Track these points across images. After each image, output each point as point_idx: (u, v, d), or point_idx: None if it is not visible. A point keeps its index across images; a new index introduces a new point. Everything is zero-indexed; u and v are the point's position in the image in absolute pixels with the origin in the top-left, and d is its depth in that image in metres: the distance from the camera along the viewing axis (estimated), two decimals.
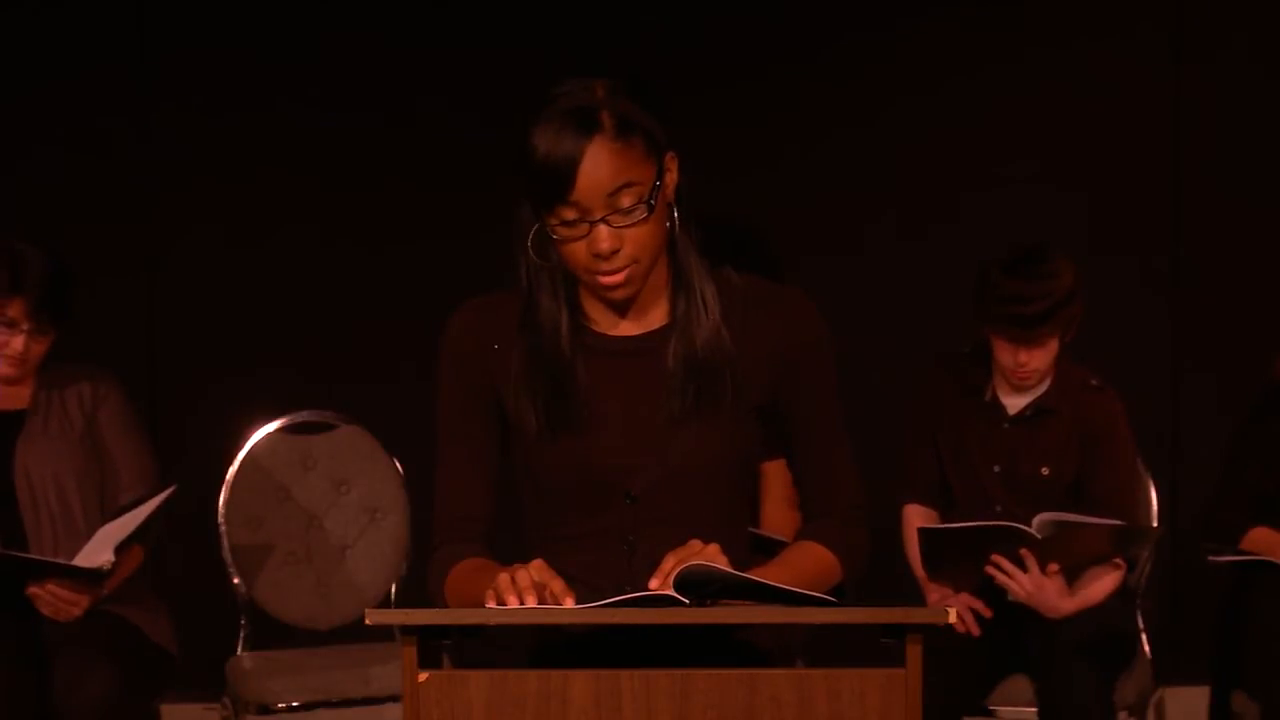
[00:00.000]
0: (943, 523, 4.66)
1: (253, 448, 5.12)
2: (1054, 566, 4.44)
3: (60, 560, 4.39)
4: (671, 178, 2.89)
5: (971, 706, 4.59)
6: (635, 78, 2.86)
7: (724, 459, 2.94)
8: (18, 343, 4.49)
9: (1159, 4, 5.89)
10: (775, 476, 4.49)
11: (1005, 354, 4.59)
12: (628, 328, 2.96)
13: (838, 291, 5.34)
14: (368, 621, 2.64)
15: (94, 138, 5.86)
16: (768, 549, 3.22)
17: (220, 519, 5.07)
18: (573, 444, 2.92)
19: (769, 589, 2.67)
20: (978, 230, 5.62)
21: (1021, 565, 4.45)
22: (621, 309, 2.94)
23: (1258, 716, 4.54)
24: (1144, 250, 5.91)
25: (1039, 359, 4.58)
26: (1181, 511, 5.54)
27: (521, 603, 2.68)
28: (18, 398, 4.59)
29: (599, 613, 2.63)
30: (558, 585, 2.72)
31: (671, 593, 2.65)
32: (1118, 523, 4.53)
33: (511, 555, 2.85)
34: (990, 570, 4.47)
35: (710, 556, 2.73)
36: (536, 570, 2.74)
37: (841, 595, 2.96)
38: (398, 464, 5.16)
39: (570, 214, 2.81)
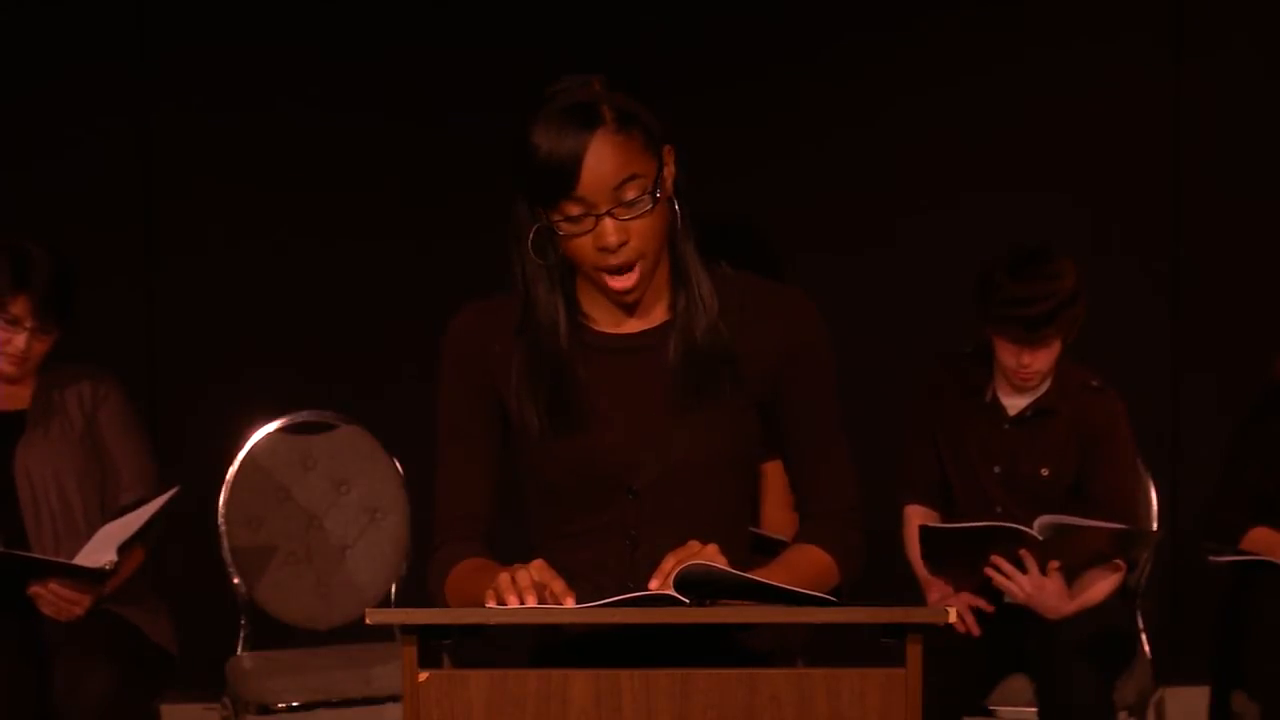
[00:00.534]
0: (943, 523, 4.66)
1: (253, 448, 5.12)
2: (1054, 565, 4.44)
3: (63, 560, 4.39)
4: (670, 171, 2.89)
5: (971, 706, 4.59)
6: (628, 73, 2.87)
7: (725, 453, 2.94)
8: (20, 341, 4.49)
9: (1159, 4, 5.89)
10: (775, 477, 4.49)
11: (1008, 355, 4.59)
12: (627, 324, 2.96)
13: (838, 291, 5.35)
14: (368, 621, 2.64)
15: (94, 138, 5.86)
16: (768, 549, 3.22)
17: (220, 519, 5.07)
18: (574, 441, 2.92)
19: (769, 589, 2.67)
20: (978, 230, 5.62)
21: (1021, 566, 4.45)
22: (624, 307, 2.94)
23: (1258, 716, 4.54)
24: (1144, 251, 5.91)
25: (1041, 360, 4.58)
26: (1181, 511, 5.54)
27: (522, 602, 2.68)
28: (18, 398, 4.59)
29: (599, 613, 2.63)
30: (558, 585, 2.72)
31: (672, 593, 2.65)
32: (1118, 526, 4.53)
33: (514, 554, 2.85)
34: (989, 572, 4.47)
35: (709, 556, 2.73)
36: (537, 570, 2.74)
37: (838, 597, 2.96)
38: (398, 464, 5.16)
39: (575, 209, 2.82)
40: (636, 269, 2.85)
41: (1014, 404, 4.69)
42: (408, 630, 2.62)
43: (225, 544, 5.07)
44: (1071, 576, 4.50)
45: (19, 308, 4.47)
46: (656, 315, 2.97)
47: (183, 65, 5.87)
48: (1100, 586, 4.55)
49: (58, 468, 4.53)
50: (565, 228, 2.83)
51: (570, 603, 2.70)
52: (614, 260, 2.83)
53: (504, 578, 2.72)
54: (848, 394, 3.04)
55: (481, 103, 5.75)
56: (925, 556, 4.55)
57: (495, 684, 2.62)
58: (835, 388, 3.01)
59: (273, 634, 5.13)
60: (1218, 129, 5.89)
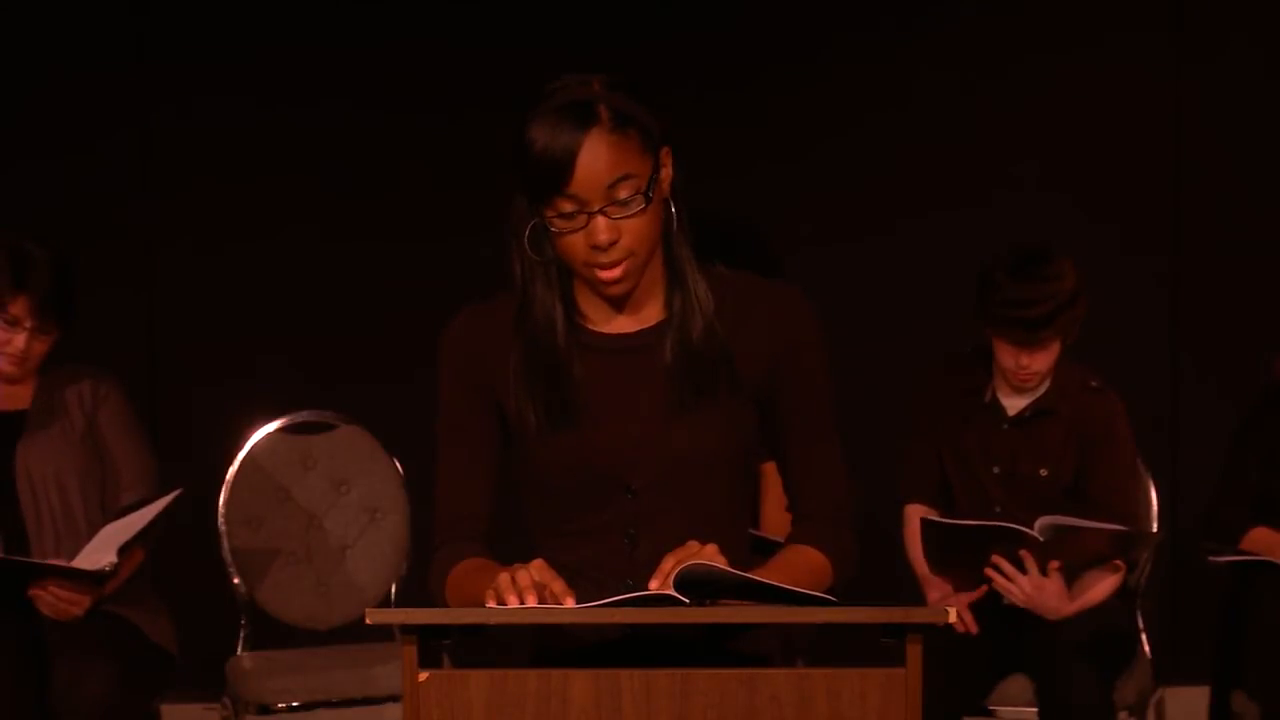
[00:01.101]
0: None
1: (253, 448, 5.12)
2: (1055, 565, 4.44)
3: (63, 564, 4.38)
4: (667, 173, 2.90)
5: (971, 706, 4.59)
6: (631, 74, 2.88)
7: (722, 451, 2.94)
8: (19, 341, 4.49)
9: (1159, 4, 5.89)
10: (774, 477, 4.48)
11: (1007, 356, 4.59)
12: (623, 324, 2.97)
13: (838, 291, 5.36)
14: (368, 621, 2.64)
15: (94, 138, 5.86)
16: (767, 551, 3.22)
17: (220, 519, 5.07)
18: (572, 440, 2.92)
19: (769, 589, 2.67)
20: (978, 230, 5.62)
21: (1021, 567, 4.45)
22: (617, 305, 2.95)
23: (1258, 716, 4.54)
24: (1144, 250, 5.91)
25: (1041, 361, 4.58)
26: (1181, 511, 5.54)
27: (522, 602, 2.68)
28: (18, 398, 4.59)
29: (599, 612, 2.63)
30: (558, 586, 2.72)
31: (672, 593, 2.65)
32: (1118, 526, 4.53)
33: (514, 554, 2.85)
34: (990, 573, 4.47)
35: (709, 556, 2.73)
36: (537, 570, 2.74)
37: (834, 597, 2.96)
38: (398, 464, 5.16)
39: (568, 206, 2.82)
40: (624, 264, 2.86)
41: (1013, 404, 4.69)
42: (408, 630, 2.62)
43: (225, 544, 5.07)
44: (1071, 577, 4.50)
45: (18, 308, 4.47)
46: (651, 315, 2.97)
47: (183, 65, 5.88)
48: (1100, 587, 4.55)
49: (58, 468, 4.53)
50: (558, 224, 2.84)
51: (570, 603, 2.70)
52: (604, 258, 2.84)
53: (504, 578, 2.72)
54: (848, 394, 3.04)
55: (482, 103, 5.75)
56: (926, 552, 4.55)
57: (495, 684, 2.62)
58: (830, 387, 3.01)
59: (273, 634, 5.13)
60: (1218, 129, 5.89)
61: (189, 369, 5.88)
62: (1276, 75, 5.89)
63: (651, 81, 2.91)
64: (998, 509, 4.64)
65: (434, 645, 2.66)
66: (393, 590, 5.15)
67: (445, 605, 2.94)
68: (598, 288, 2.90)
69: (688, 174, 2.93)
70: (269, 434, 5.13)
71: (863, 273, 5.83)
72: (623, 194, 2.82)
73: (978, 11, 5.90)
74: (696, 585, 2.66)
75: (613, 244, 2.83)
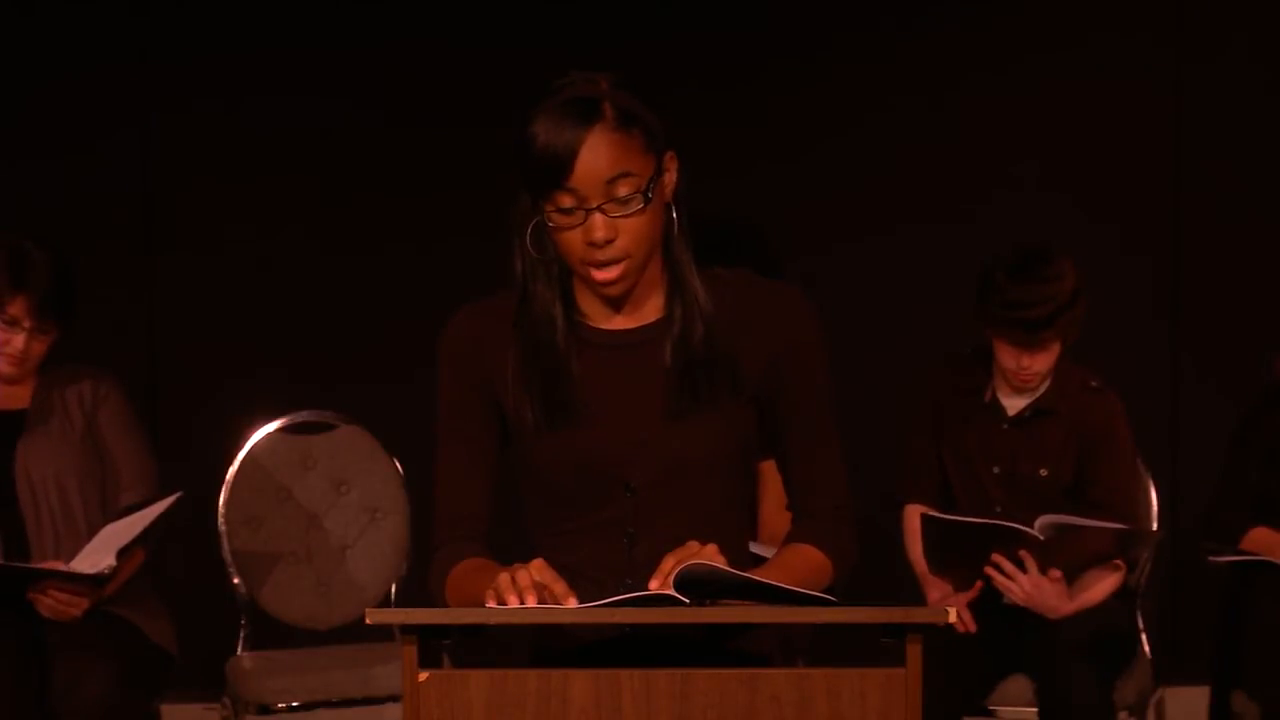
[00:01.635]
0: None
1: (253, 448, 5.12)
2: (1056, 573, 4.44)
3: (62, 568, 4.38)
4: (671, 177, 2.90)
5: (971, 706, 4.59)
6: (640, 75, 2.88)
7: (722, 450, 2.94)
8: (19, 341, 4.49)
9: (1159, 4, 5.89)
10: (772, 478, 4.48)
11: (1007, 357, 4.59)
12: (621, 322, 2.97)
13: (838, 291, 5.36)
14: (368, 621, 2.65)
15: (94, 137, 5.86)
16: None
17: (220, 519, 5.07)
18: (570, 438, 2.92)
19: (769, 588, 2.67)
20: (978, 230, 5.62)
21: (1021, 566, 4.45)
22: (615, 303, 2.95)
23: (1258, 716, 4.54)
24: (1144, 251, 5.90)
25: (1041, 362, 4.58)
26: (1181, 511, 5.54)
27: (522, 602, 2.68)
28: (18, 398, 4.59)
29: (599, 612, 2.63)
30: (559, 586, 2.72)
31: (672, 592, 2.65)
32: (1119, 525, 4.53)
33: (514, 554, 2.85)
34: (990, 571, 4.47)
35: (709, 556, 2.73)
36: (537, 570, 2.74)
37: (833, 595, 2.96)
38: (398, 464, 5.16)
39: (567, 201, 2.83)
40: (621, 265, 2.86)
41: (1013, 404, 4.69)
42: (408, 630, 2.62)
43: (225, 544, 5.07)
44: (1071, 576, 4.50)
45: (17, 308, 4.47)
46: (650, 312, 2.97)
47: (183, 65, 5.87)
48: (1100, 586, 4.55)
49: (58, 468, 4.54)
50: (557, 219, 2.85)
51: (571, 603, 2.70)
52: (600, 256, 2.84)
53: (504, 578, 2.72)
54: (848, 394, 3.04)
55: (482, 103, 5.75)
56: (926, 549, 4.55)
57: (495, 684, 2.62)
58: (829, 386, 3.01)
59: (273, 634, 5.13)
60: (1218, 129, 5.89)
61: (189, 369, 5.88)
62: (1276, 75, 5.88)
63: (651, 82, 2.91)
64: (998, 509, 4.64)
65: (434, 645, 2.66)
66: (393, 590, 5.15)
67: (445, 605, 2.94)
68: (593, 287, 2.90)
69: (688, 174, 2.93)
70: (269, 434, 5.13)
71: (863, 273, 5.83)
72: (622, 192, 2.83)
73: (978, 11, 5.90)
74: (696, 585, 2.66)
75: (609, 242, 2.84)
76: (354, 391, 5.65)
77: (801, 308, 2.99)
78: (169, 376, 5.89)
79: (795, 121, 5.90)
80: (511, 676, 2.62)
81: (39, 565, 4.43)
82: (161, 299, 5.93)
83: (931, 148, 5.88)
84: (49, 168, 5.84)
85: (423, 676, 2.62)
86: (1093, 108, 5.87)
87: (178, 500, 4.45)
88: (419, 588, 3.26)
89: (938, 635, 2.64)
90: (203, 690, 5.22)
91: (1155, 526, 4.94)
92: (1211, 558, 4.70)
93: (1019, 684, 4.60)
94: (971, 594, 4.52)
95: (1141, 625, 4.86)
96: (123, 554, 4.38)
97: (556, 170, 2.81)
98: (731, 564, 2.73)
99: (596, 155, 2.80)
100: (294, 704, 4.83)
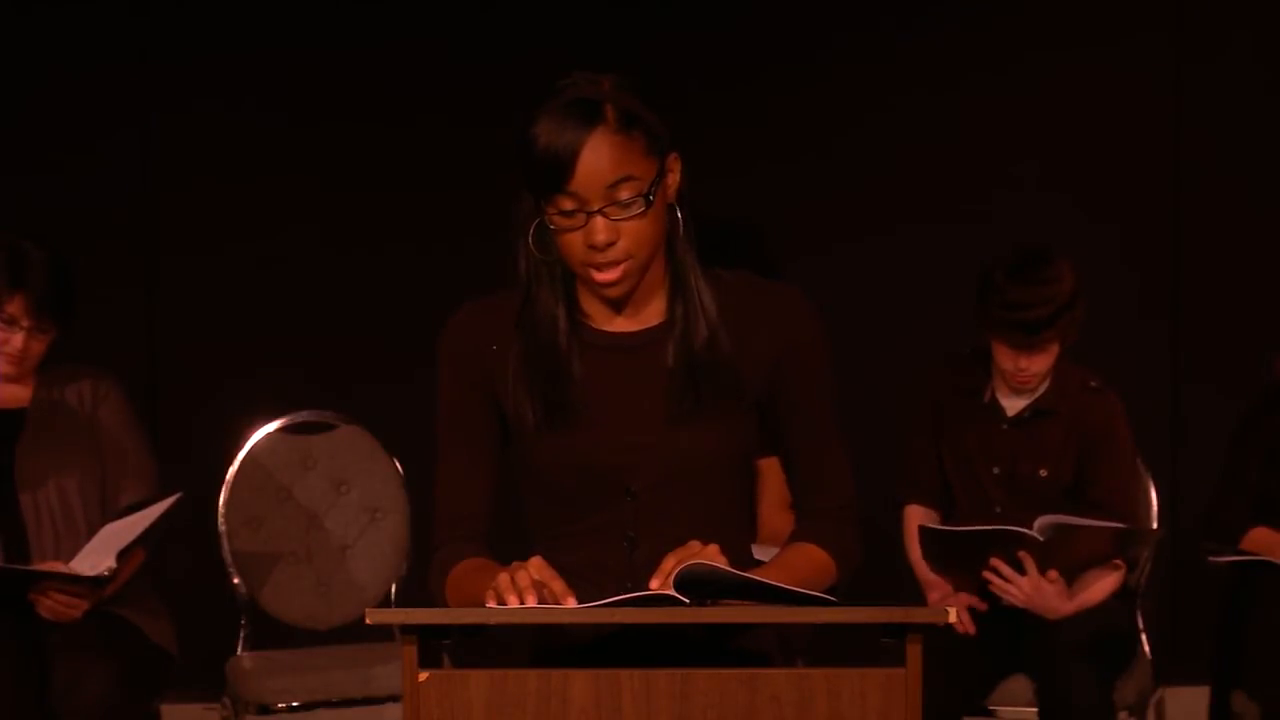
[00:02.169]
0: (944, 523, 4.66)
1: (253, 448, 5.12)
2: (1053, 574, 4.44)
3: (62, 569, 4.38)
4: (674, 178, 2.89)
5: (971, 706, 4.59)
6: (644, 76, 2.87)
7: (723, 455, 2.94)
8: (17, 340, 4.49)
9: (1159, 5, 5.89)
10: (772, 476, 4.48)
11: (1006, 358, 4.59)
12: (623, 324, 2.96)
13: (838, 291, 5.35)
14: (368, 621, 2.64)
15: (94, 138, 5.86)
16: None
17: (220, 519, 5.07)
18: (571, 440, 2.92)
19: (769, 588, 2.67)
20: (978, 231, 5.62)
21: (1020, 569, 4.45)
22: (617, 305, 2.95)
23: (1258, 716, 4.54)
24: (1144, 251, 5.90)
25: (1040, 364, 4.58)
26: (1181, 511, 5.53)
27: (521, 602, 2.68)
28: (18, 398, 4.59)
29: (599, 613, 2.63)
30: (558, 585, 2.72)
31: (672, 592, 2.65)
32: (1119, 525, 4.53)
33: (514, 554, 2.85)
34: (988, 575, 4.47)
35: (710, 556, 2.73)
36: (536, 569, 2.74)
37: (836, 595, 2.96)
38: (398, 464, 5.16)
39: (569, 204, 2.82)
40: (622, 266, 2.85)
41: (1013, 404, 4.69)
42: (408, 630, 2.62)
43: (225, 544, 5.07)
44: (1071, 577, 4.50)
45: (15, 307, 4.47)
46: (652, 315, 2.96)
47: (183, 65, 5.87)
48: (1100, 586, 4.55)
49: (58, 467, 4.53)
50: (558, 221, 2.84)
51: (570, 603, 2.70)
52: (601, 258, 2.84)
53: (503, 578, 2.72)
54: (848, 394, 3.04)
55: (482, 104, 5.75)
56: (926, 556, 4.56)
57: (495, 684, 2.62)
58: (833, 385, 3.01)
59: (273, 634, 5.13)
60: (1218, 129, 5.89)
61: (189, 369, 5.88)
62: (1276, 75, 5.88)
63: (657, 82, 2.91)
64: (998, 509, 4.64)
65: (434, 645, 2.66)
66: (393, 590, 5.15)
67: (445, 605, 2.94)
68: (594, 288, 2.90)
69: (690, 175, 2.93)
70: (269, 434, 5.13)
71: (863, 273, 5.83)
72: (623, 195, 2.82)
73: (977, 12, 5.90)
74: (696, 585, 2.66)
75: (610, 245, 2.83)
76: (354, 391, 5.65)
77: (803, 309, 2.98)
78: (169, 376, 5.89)
79: (795, 121, 5.90)
80: (511, 676, 2.63)
81: (39, 567, 4.43)
82: (161, 299, 5.93)
83: (931, 148, 5.88)
84: (49, 167, 5.84)
85: (423, 676, 2.62)
86: (1093, 108, 5.86)
87: (178, 501, 4.45)
88: (419, 588, 3.26)
89: (938, 635, 2.64)
90: (203, 690, 5.22)
91: (1155, 526, 4.94)
92: (1211, 558, 4.70)
93: (1019, 684, 4.60)
94: (977, 603, 4.52)
95: (1141, 625, 4.86)
96: (123, 555, 4.38)
97: (557, 173, 2.80)
98: (732, 565, 2.73)
99: (598, 158, 2.80)
100: (294, 704, 4.83)
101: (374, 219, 5.90)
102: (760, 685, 2.61)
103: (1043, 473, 4.65)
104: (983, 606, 4.52)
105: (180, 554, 5.13)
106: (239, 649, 5.05)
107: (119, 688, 4.34)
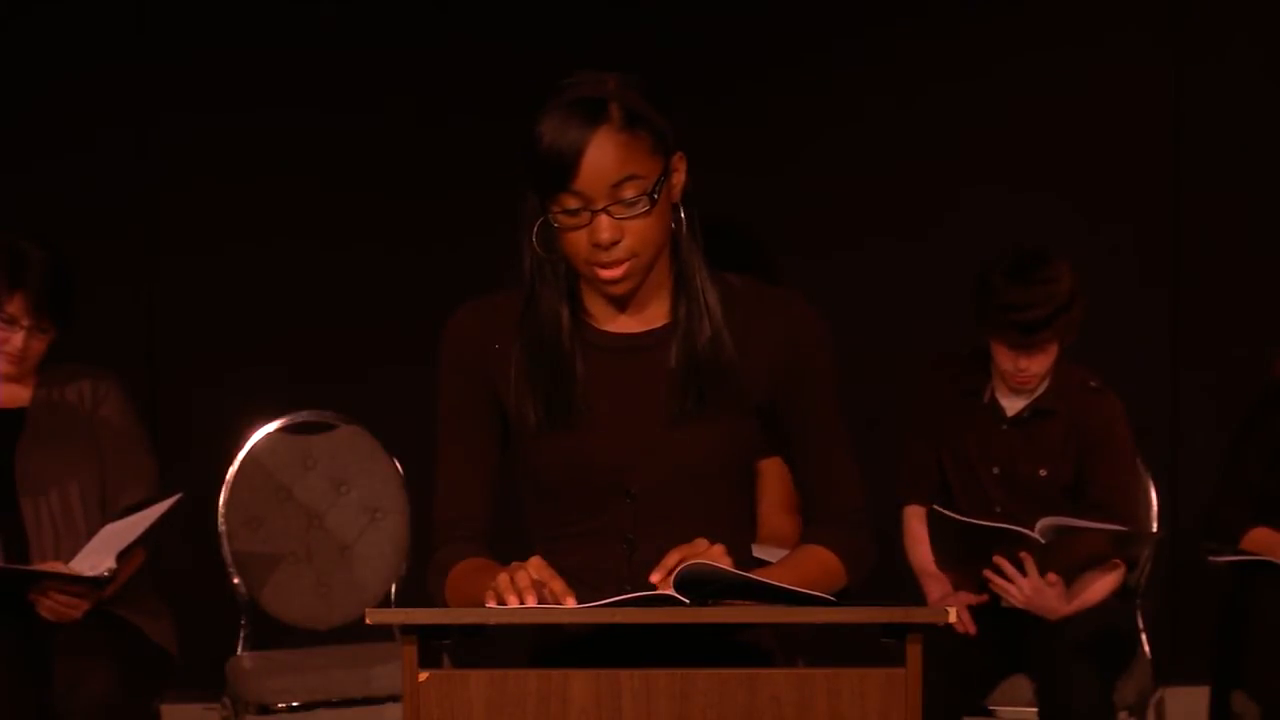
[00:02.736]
0: None
1: (253, 448, 5.12)
2: (1053, 577, 4.44)
3: (62, 569, 4.38)
4: (679, 178, 2.89)
5: (971, 706, 4.59)
6: (649, 76, 2.87)
7: (724, 459, 2.94)
8: (17, 340, 4.49)
9: (1159, 4, 5.89)
10: (772, 478, 4.48)
11: (1005, 359, 4.60)
12: (627, 324, 2.96)
13: (838, 292, 5.35)
14: (368, 621, 2.64)
15: (94, 138, 5.86)
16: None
17: (220, 519, 5.07)
18: (572, 441, 2.92)
19: (770, 588, 2.67)
20: (978, 231, 5.62)
21: (1021, 569, 4.45)
22: (621, 305, 2.94)
23: (1258, 716, 4.54)
24: (1144, 251, 5.90)
25: (1039, 364, 4.59)
26: (1181, 511, 5.53)
27: (521, 602, 2.68)
28: (18, 397, 4.59)
29: (599, 613, 2.63)
30: (558, 585, 2.72)
31: (672, 592, 2.65)
32: (1119, 527, 4.53)
33: (514, 554, 2.85)
34: (988, 574, 4.47)
35: (715, 557, 2.73)
36: (536, 569, 2.74)
37: (843, 598, 2.96)
38: (398, 464, 5.16)
39: (573, 202, 2.82)
40: (626, 264, 2.85)
41: (1012, 404, 4.69)
42: (408, 630, 2.62)
43: (225, 544, 5.07)
44: (1071, 578, 4.50)
45: (15, 306, 4.47)
46: (657, 316, 2.96)
47: (183, 65, 5.87)
48: (1100, 586, 4.55)
49: (58, 467, 4.53)
50: (562, 220, 2.84)
51: (570, 602, 2.70)
52: (605, 257, 2.84)
53: (503, 578, 2.72)
54: (848, 395, 3.04)
55: (482, 103, 5.75)
56: (934, 542, 4.55)
57: (495, 684, 2.62)
58: (838, 389, 3.01)
59: (273, 634, 5.13)
60: (1218, 129, 5.89)
61: (189, 369, 5.88)
62: (1276, 75, 5.88)
63: (662, 82, 2.91)
64: (998, 509, 4.64)
65: (434, 645, 2.66)
66: (393, 590, 5.15)
67: (445, 605, 2.93)
68: (598, 287, 2.90)
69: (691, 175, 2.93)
70: (269, 434, 5.13)
71: (862, 274, 5.83)
72: (628, 194, 2.82)
73: (977, 12, 5.90)
74: (697, 584, 2.66)
75: (614, 244, 2.83)
76: (354, 391, 5.65)
77: (807, 313, 2.98)
78: (169, 376, 5.89)
79: (795, 121, 5.90)
80: (511, 676, 2.63)
81: (39, 567, 4.43)
82: (161, 299, 5.93)
83: (931, 148, 5.87)
84: (49, 167, 5.84)
85: (423, 676, 2.62)
86: (1093, 108, 5.87)
87: (178, 501, 4.45)
88: (419, 588, 3.26)
89: (938, 635, 2.64)
90: (203, 690, 5.22)
91: (1155, 526, 4.94)
92: (1211, 558, 4.70)
93: (1019, 684, 4.60)
94: (976, 600, 4.52)
95: (1141, 625, 4.86)
96: (123, 555, 4.38)
97: (561, 172, 2.80)
98: (736, 567, 2.73)
99: (602, 157, 2.80)
100: (294, 704, 4.83)
101: (374, 219, 5.90)
102: (760, 685, 2.61)
103: (1042, 473, 4.65)
104: (983, 599, 4.51)
105: (180, 554, 5.13)
106: (239, 649, 5.05)
107: (119, 688, 4.33)
